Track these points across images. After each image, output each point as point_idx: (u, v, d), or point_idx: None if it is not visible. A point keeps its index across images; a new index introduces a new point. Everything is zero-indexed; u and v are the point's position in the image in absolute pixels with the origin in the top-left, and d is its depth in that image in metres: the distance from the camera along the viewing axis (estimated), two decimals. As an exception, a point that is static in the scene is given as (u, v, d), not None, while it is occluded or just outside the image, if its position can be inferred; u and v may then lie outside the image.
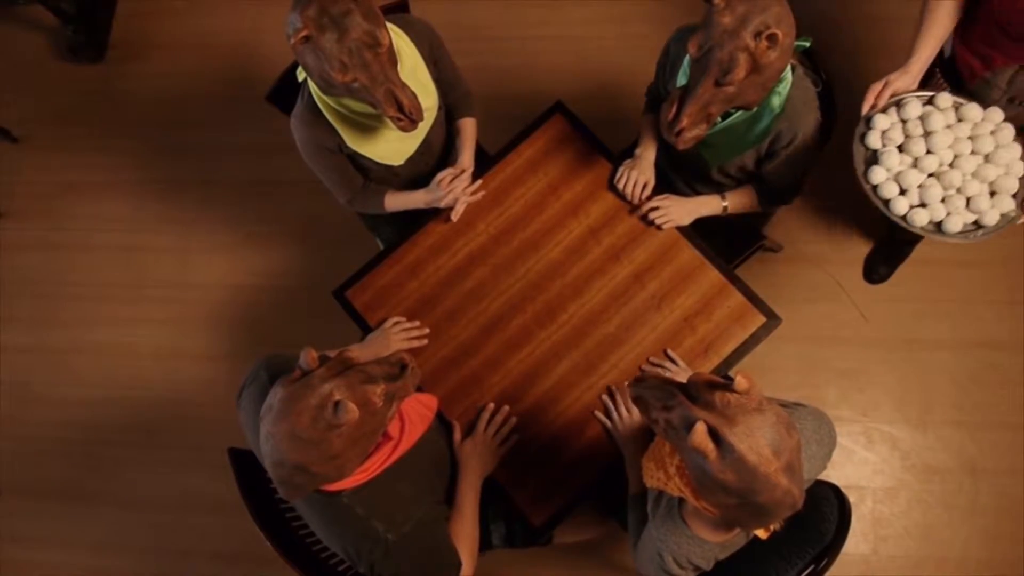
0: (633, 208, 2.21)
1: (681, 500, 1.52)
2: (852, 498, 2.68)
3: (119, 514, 3.06)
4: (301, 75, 1.96)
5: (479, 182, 2.26)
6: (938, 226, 1.88)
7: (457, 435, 2.04)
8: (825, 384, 2.85)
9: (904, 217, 1.89)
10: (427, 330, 2.16)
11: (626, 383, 1.55)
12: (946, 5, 1.95)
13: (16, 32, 3.74)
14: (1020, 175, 1.87)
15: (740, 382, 1.26)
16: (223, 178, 3.39)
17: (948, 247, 2.82)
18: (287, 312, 3.17)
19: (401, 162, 2.17)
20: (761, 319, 2.11)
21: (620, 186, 2.19)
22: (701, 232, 2.19)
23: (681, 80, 1.91)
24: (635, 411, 1.98)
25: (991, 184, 1.87)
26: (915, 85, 1.97)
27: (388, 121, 1.91)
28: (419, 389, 2.05)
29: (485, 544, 2.13)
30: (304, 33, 1.68)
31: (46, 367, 3.27)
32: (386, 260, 2.25)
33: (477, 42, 3.37)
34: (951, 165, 1.88)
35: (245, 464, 1.93)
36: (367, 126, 2.02)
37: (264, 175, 3.35)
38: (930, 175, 1.90)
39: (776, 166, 2.00)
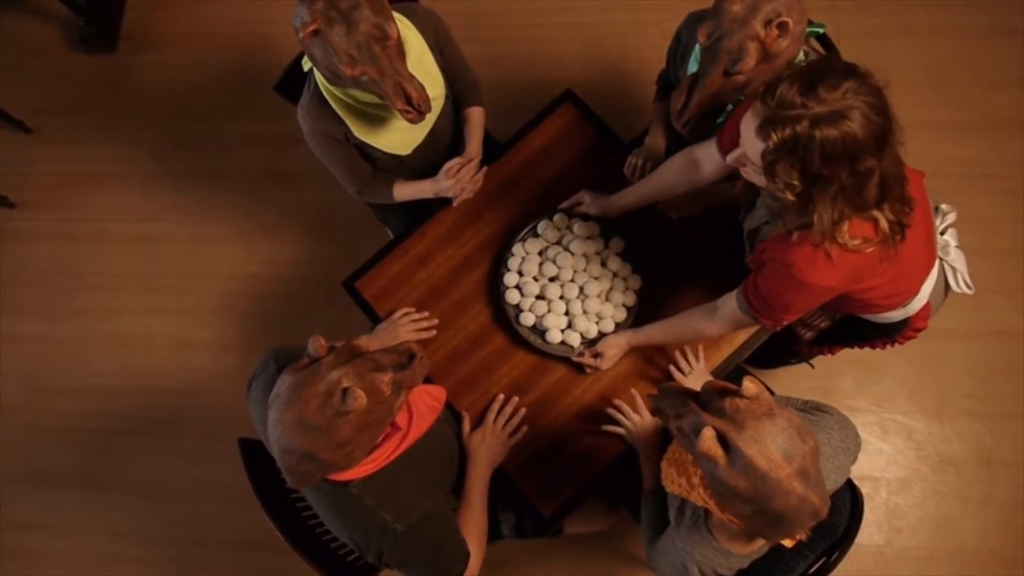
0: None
1: (707, 511, 1.52)
2: (866, 489, 2.67)
3: (133, 502, 3.08)
4: (307, 65, 1.95)
5: (484, 169, 2.24)
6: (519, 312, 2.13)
7: (466, 426, 2.03)
8: (840, 374, 2.83)
9: (505, 288, 2.13)
10: (436, 321, 2.15)
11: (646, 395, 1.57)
12: (672, 170, 1.96)
13: (28, 23, 3.75)
14: (608, 330, 2.08)
15: (748, 387, 1.25)
16: (234, 168, 3.39)
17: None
18: (297, 302, 3.18)
19: (409, 152, 2.16)
20: (773, 309, 2.09)
21: (630, 175, 2.18)
22: (710, 222, 2.17)
23: (692, 67, 1.89)
24: (645, 413, 1.98)
25: (570, 317, 2.09)
26: (605, 214, 2.12)
27: (395, 111, 1.90)
28: (428, 380, 2.05)
29: (495, 535, 2.13)
30: (313, 27, 1.67)
31: (59, 356, 3.29)
32: (395, 250, 2.24)
33: (487, 30, 3.35)
34: (562, 284, 2.11)
35: (255, 454, 1.93)
36: (374, 116, 2.01)
37: (275, 165, 3.35)
38: (551, 279, 2.13)
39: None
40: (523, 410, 2.06)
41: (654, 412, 1.44)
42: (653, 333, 1.98)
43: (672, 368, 2.05)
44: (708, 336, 1.89)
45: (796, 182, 1.38)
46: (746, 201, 1.83)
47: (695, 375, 2.02)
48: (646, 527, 1.82)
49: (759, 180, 1.48)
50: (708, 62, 1.72)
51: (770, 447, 1.22)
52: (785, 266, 1.55)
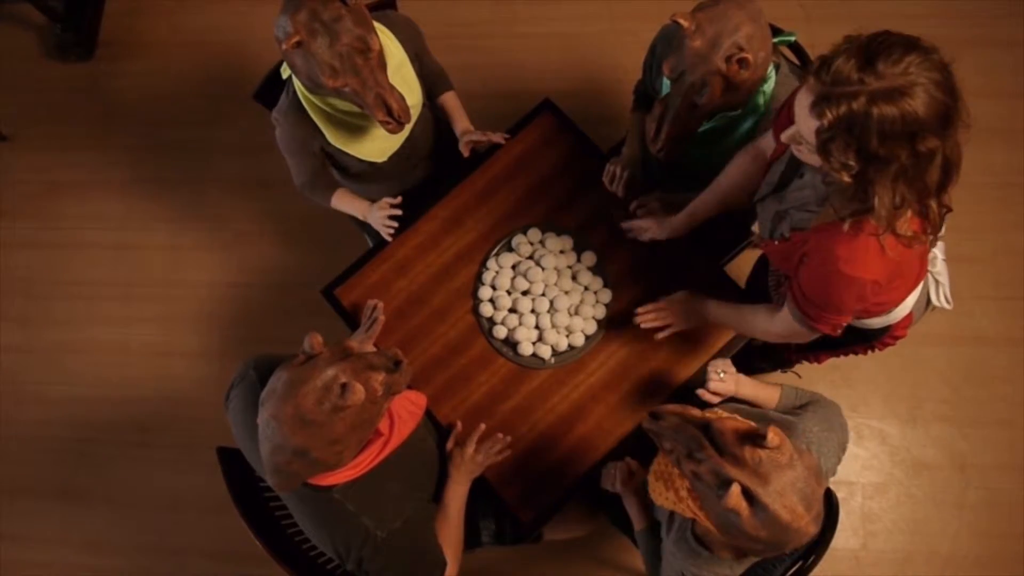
0: (621, 206, 2.20)
1: (694, 521, 1.52)
2: (841, 493, 2.69)
3: (111, 512, 3.06)
4: (285, 72, 1.95)
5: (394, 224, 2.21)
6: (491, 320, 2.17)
7: (451, 443, 2.00)
8: (815, 380, 2.85)
9: (479, 302, 2.17)
10: (382, 318, 2.13)
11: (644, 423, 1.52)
12: (739, 165, 1.88)
13: (4, 30, 3.73)
14: (578, 344, 2.10)
15: (772, 439, 1.24)
16: (213, 176, 3.39)
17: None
18: (276, 311, 3.17)
19: (385, 159, 2.17)
20: (749, 316, 2.11)
21: (607, 183, 2.19)
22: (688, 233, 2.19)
23: (666, 81, 1.92)
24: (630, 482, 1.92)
25: (540, 330, 2.12)
26: (674, 236, 2.05)
27: (374, 120, 1.91)
28: (407, 387, 2.05)
29: (475, 542, 2.13)
30: (296, 39, 1.68)
31: (38, 366, 3.27)
32: (375, 258, 2.25)
33: (467, 39, 3.36)
34: (533, 298, 2.14)
35: (234, 463, 1.93)
36: (352, 125, 2.02)
37: (254, 173, 3.35)
38: (523, 293, 2.16)
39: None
40: (501, 445, 2.01)
41: (647, 431, 1.41)
42: (719, 310, 1.92)
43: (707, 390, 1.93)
44: (758, 333, 1.84)
45: (852, 162, 1.29)
46: (768, 179, 1.73)
47: (730, 381, 1.89)
48: (648, 562, 1.82)
49: (813, 160, 1.40)
50: (675, 94, 1.75)
51: (793, 499, 1.22)
52: (830, 258, 1.48)
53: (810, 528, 1.24)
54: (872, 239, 1.40)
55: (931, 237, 1.44)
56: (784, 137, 1.43)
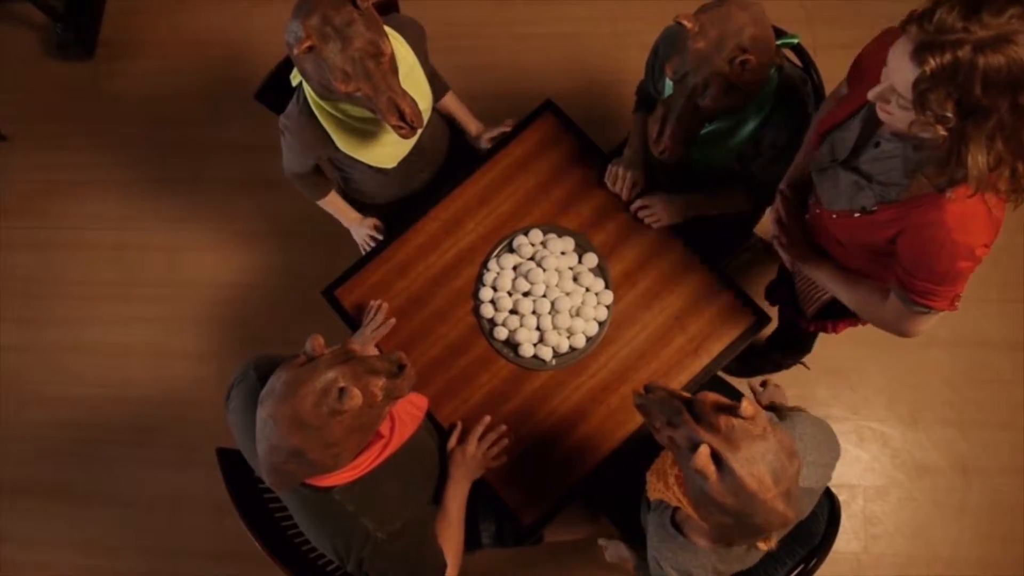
0: (623, 207, 2.20)
1: (675, 508, 1.53)
2: (843, 496, 2.69)
3: (110, 513, 3.06)
4: (295, 79, 1.94)
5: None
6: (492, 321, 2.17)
7: (452, 441, 2.01)
8: (816, 382, 2.85)
9: (480, 303, 2.17)
10: (392, 320, 2.16)
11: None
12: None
13: (4, 29, 3.72)
14: (579, 345, 2.11)
15: (746, 408, 1.27)
16: (213, 176, 3.38)
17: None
18: (277, 311, 3.16)
19: (394, 165, 2.16)
20: (751, 318, 2.11)
21: (610, 184, 2.19)
22: (691, 231, 2.18)
23: (669, 82, 1.91)
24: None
25: (541, 332, 2.12)
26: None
27: (385, 125, 1.90)
28: (409, 389, 2.05)
29: (475, 543, 2.13)
30: (308, 44, 1.67)
31: (37, 366, 3.26)
32: (375, 259, 2.24)
33: (468, 39, 3.36)
34: (534, 300, 2.13)
35: (233, 464, 1.92)
36: (363, 131, 2.01)
37: (254, 173, 3.34)
38: (524, 294, 2.15)
39: (764, 165, 1.99)
40: (505, 441, 2.04)
41: (637, 407, 1.45)
42: (827, 275, 1.83)
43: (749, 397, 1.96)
44: (867, 313, 1.76)
45: (950, 114, 1.25)
46: (833, 147, 1.67)
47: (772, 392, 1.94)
48: None
49: (902, 119, 1.36)
50: (678, 96, 1.75)
51: (761, 469, 1.25)
52: (940, 229, 1.44)
53: (778, 504, 1.25)
54: (978, 203, 1.39)
55: (1017, 198, 1.40)
56: (871, 95, 1.39)
